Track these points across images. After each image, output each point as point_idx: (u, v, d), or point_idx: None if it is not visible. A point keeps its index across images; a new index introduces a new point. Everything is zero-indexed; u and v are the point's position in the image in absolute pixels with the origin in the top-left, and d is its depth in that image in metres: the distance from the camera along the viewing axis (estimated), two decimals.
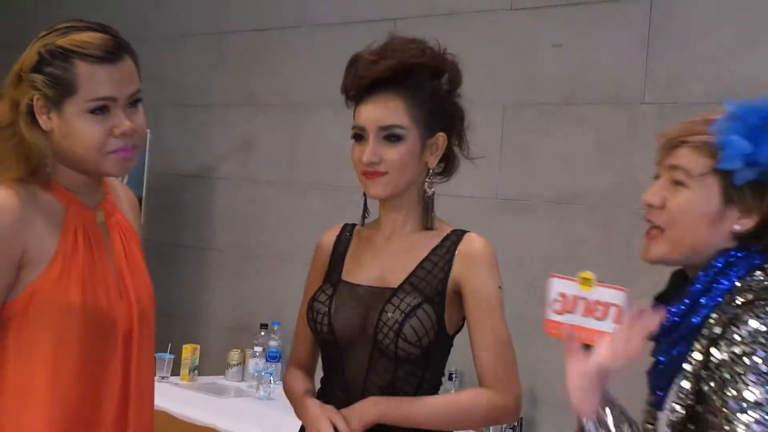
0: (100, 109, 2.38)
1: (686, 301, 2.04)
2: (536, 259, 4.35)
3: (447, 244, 2.70)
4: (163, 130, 6.43)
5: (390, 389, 2.66)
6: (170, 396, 4.96)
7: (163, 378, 5.33)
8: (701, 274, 2.05)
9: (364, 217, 2.82)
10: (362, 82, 2.69)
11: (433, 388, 2.70)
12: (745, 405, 1.87)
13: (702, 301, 2.03)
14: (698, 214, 2.06)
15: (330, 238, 2.86)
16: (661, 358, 2.06)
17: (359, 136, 2.72)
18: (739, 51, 4.00)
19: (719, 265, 2.04)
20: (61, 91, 2.37)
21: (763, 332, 1.90)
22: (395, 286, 2.68)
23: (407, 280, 2.68)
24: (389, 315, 2.63)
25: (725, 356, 1.92)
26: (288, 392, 2.84)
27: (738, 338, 1.91)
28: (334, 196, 5.43)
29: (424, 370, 2.67)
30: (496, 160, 4.63)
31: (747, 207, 2.04)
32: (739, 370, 1.89)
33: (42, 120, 2.40)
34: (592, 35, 4.45)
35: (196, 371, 5.44)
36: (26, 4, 7.73)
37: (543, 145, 4.56)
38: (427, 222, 2.74)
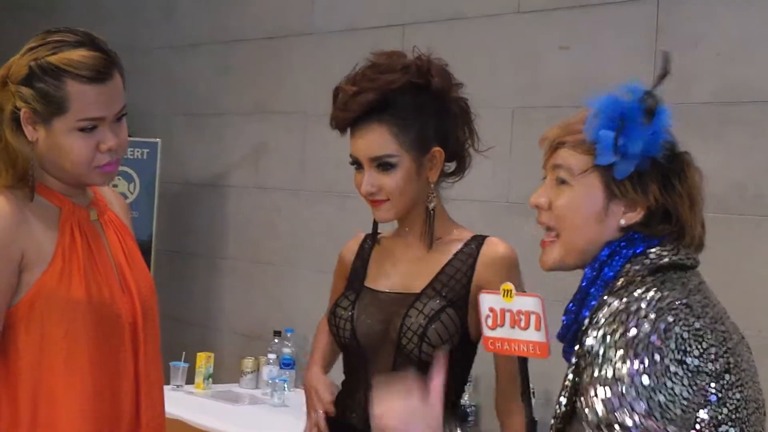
0: (90, 128, 2.40)
1: (577, 296, 2.03)
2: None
3: (469, 249, 2.71)
4: (174, 139, 6.44)
5: None
6: (185, 404, 4.97)
7: (177, 387, 5.34)
8: (588, 268, 2.03)
9: (374, 234, 2.84)
10: (346, 117, 2.69)
11: (456, 394, 2.71)
12: (602, 381, 1.84)
13: (591, 292, 2.01)
14: (584, 212, 2.04)
15: (352, 247, 2.88)
16: (568, 359, 2.03)
17: (357, 164, 2.72)
18: (746, 52, 4.00)
19: (604, 256, 2.02)
20: (52, 108, 2.39)
21: (622, 310, 1.88)
22: (418, 291, 2.68)
23: (430, 284, 2.68)
24: (413, 319, 2.64)
25: (591, 341, 1.89)
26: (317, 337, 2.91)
27: (602, 320, 1.89)
28: (345, 203, 5.43)
29: (447, 375, 2.67)
30: (507, 163, 4.64)
31: (631, 201, 2.02)
32: (601, 351, 1.86)
33: (27, 130, 2.41)
34: (599, 37, 4.45)
35: (210, 379, 5.44)
36: (28, 18, 7.76)
37: None
38: (428, 237, 2.73)
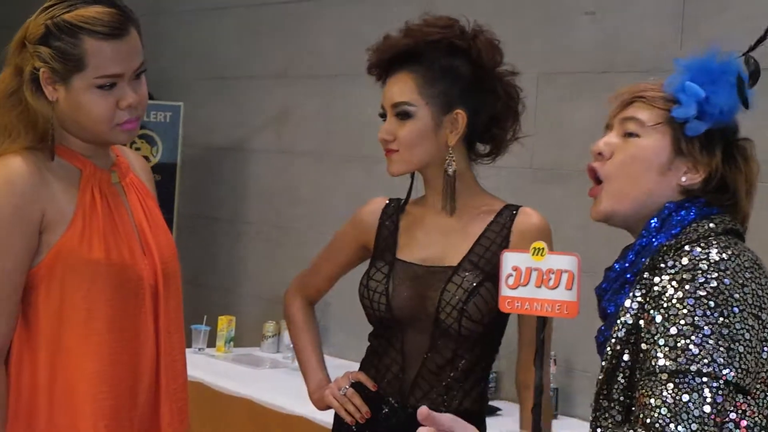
0: (108, 85, 2.40)
1: (629, 255, 2.04)
2: (571, 227, 4.33)
3: (502, 220, 2.69)
4: (198, 103, 6.43)
5: (449, 366, 2.66)
6: (206, 367, 4.99)
7: (199, 350, 5.36)
8: (654, 218, 2.04)
9: (408, 197, 2.82)
10: (380, 59, 2.72)
11: (489, 363, 2.72)
12: (679, 329, 1.85)
13: (653, 243, 2.01)
14: (647, 163, 2.06)
15: (374, 211, 2.84)
16: (610, 309, 2.04)
17: (383, 115, 2.73)
18: None
19: (672, 206, 2.03)
20: (70, 66, 2.39)
21: (703, 259, 1.89)
22: (455, 263, 2.66)
23: (466, 257, 2.66)
24: (452, 294, 2.62)
25: (666, 285, 1.90)
26: (289, 318, 2.95)
27: (679, 266, 1.90)
28: (369, 168, 5.41)
29: (483, 345, 2.68)
30: (531, 130, 4.62)
31: (695, 161, 2.05)
32: (679, 295, 1.87)
33: (48, 91, 2.42)
34: (626, 2, 4.41)
35: (231, 343, 5.46)
36: None
37: (577, 114, 4.53)
38: (446, 203, 2.70)
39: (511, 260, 2.11)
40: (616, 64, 4.41)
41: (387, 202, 2.85)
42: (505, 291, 2.11)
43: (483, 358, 2.69)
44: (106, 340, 2.43)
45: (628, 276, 2.02)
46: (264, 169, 6.18)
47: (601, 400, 2.00)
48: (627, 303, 1.96)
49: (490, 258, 2.64)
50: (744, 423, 1.87)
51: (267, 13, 6.21)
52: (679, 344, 1.84)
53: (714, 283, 1.87)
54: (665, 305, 1.88)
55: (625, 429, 1.86)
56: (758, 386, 1.88)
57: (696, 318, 1.85)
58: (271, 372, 5.15)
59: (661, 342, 1.86)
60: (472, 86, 2.69)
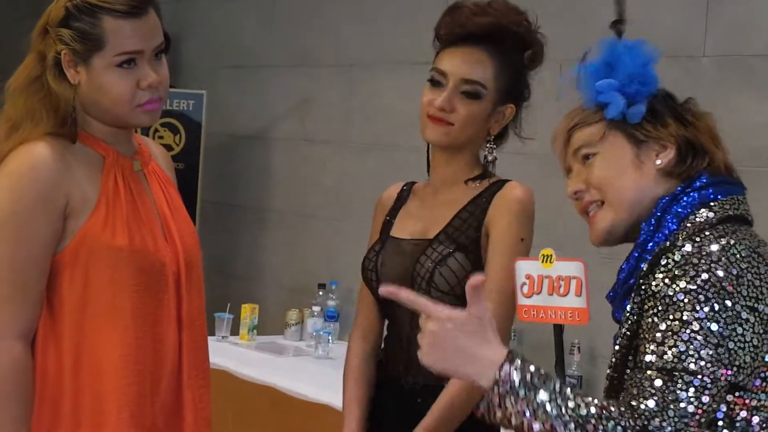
0: (128, 63, 2.42)
1: (634, 254, 2.01)
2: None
3: (486, 194, 2.69)
4: (220, 92, 6.44)
5: None
6: (230, 355, 4.99)
7: (222, 338, 5.36)
8: (644, 224, 2.01)
9: (429, 167, 2.80)
10: (458, 31, 2.68)
11: None
12: (668, 325, 1.82)
13: (648, 248, 1.98)
14: (619, 167, 2.04)
15: (391, 195, 2.86)
16: (618, 315, 2.01)
17: (437, 81, 2.68)
18: None
19: (665, 202, 2.00)
20: (90, 45, 2.41)
21: (695, 253, 1.86)
22: (431, 236, 2.68)
23: (443, 230, 2.68)
24: (422, 265, 2.64)
25: (660, 283, 1.87)
26: (347, 375, 2.80)
27: (672, 263, 1.87)
28: (390, 156, 5.41)
29: None
30: (553, 116, 4.60)
31: (656, 140, 2.03)
32: (669, 292, 1.84)
33: (70, 73, 2.44)
34: None
35: (255, 331, 5.46)
36: None
37: None
38: (482, 177, 2.72)
39: (523, 269, 2.12)
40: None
41: (403, 186, 2.86)
42: (521, 300, 2.12)
43: None
44: (130, 326, 2.44)
45: (632, 282, 1.99)
46: (286, 157, 6.18)
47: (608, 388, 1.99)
48: (628, 308, 1.94)
49: (466, 230, 2.65)
50: (755, 419, 1.85)
51: (288, 1, 6.20)
52: (667, 341, 1.82)
53: (705, 276, 1.83)
54: (658, 302, 1.85)
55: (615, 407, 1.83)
56: (760, 379, 1.85)
57: (685, 314, 1.82)
58: (295, 360, 5.15)
59: (651, 338, 1.84)
60: (523, 83, 2.73)
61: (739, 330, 1.82)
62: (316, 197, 5.96)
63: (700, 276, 1.83)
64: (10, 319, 2.39)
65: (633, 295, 1.94)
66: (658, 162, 2.02)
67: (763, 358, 1.85)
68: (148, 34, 2.44)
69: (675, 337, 1.81)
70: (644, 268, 1.94)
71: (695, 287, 1.83)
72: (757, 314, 1.84)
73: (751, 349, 1.83)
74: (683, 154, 2.02)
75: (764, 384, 1.86)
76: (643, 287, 1.91)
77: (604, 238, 2.08)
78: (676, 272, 1.85)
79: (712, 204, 1.98)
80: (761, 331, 1.84)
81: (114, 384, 2.43)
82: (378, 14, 5.55)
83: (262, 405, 4.64)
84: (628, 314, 1.94)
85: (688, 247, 1.87)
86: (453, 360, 1.88)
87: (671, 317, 1.83)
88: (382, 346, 2.79)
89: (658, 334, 1.83)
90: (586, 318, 2.04)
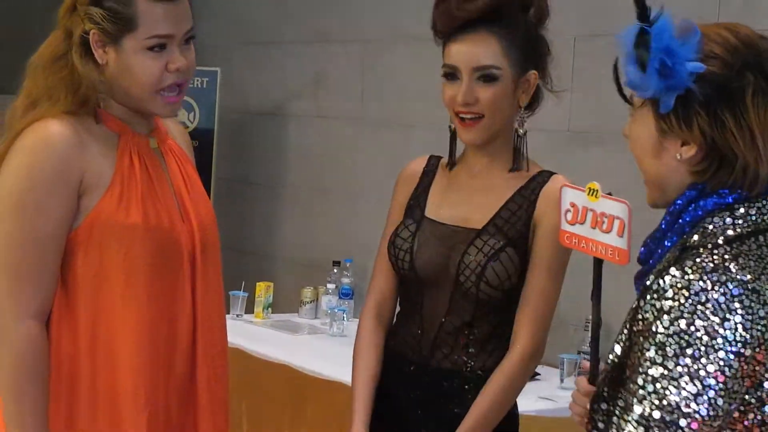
0: (159, 47, 2.40)
1: (656, 234, 1.95)
2: (607, 189, 4.31)
3: (533, 185, 2.65)
4: (234, 68, 6.43)
5: (467, 329, 2.63)
6: (244, 333, 5.00)
7: (237, 316, 5.37)
8: (665, 215, 1.95)
9: (452, 157, 2.75)
10: (454, 22, 2.61)
11: (511, 328, 2.65)
12: (656, 373, 1.78)
13: (665, 243, 1.93)
14: (641, 146, 1.97)
15: (416, 169, 2.79)
16: (638, 286, 1.96)
17: (451, 75, 2.64)
18: None
19: (678, 204, 1.92)
20: (121, 26, 2.38)
21: (686, 287, 1.78)
22: (479, 227, 2.63)
23: (491, 221, 2.63)
24: (472, 257, 2.60)
25: (648, 314, 1.82)
26: (356, 354, 2.76)
27: (663, 292, 1.81)
28: (406, 133, 5.39)
29: (504, 312, 2.64)
30: (567, 92, 4.57)
31: (681, 136, 1.91)
32: (659, 329, 1.79)
33: (98, 54, 2.42)
34: None
35: (269, 309, 5.47)
36: None
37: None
38: (518, 163, 2.67)
39: (568, 196, 2.10)
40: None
41: (428, 161, 2.79)
42: (564, 225, 2.10)
43: (501, 324, 2.65)
44: (145, 304, 2.43)
45: (651, 263, 1.95)
46: (301, 133, 6.17)
47: (600, 403, 1.95)
48: (633, 304, 1.90)
49: (515, 223, 2.61)
50: None
51: None
52: (647, 387, 1.78)
53: (689, 318, 1.77)
54: (646, 338, 1.80)
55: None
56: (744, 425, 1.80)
57: (667, 360, 1.77)
58: (309, 338, 5.16)
59: (635, 378, 1.80)
60: (537, 43, 2.66)
61: (721, 377, 1.76)
62: (331, 174, 5.96)
63: (684, 318, 1.77)
64: (27, 298, 2.38)
65: (642, 298, 1.88)
66: (678, 156, 1.92)
67: (749, 402, 1.80)
68: (179, 18, 2.42)
69: (656, 384, 1.77)
70: (655, 270, 1.89)
71: (680, 330, 1.77)
72: (743, 359, 1.77)
73: (732, 394, 1.77)
74: (710, 159, 1.90)
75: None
76: (646, 297, 1.85)
77: (653, 205, 2.02)
78: (664, 304, 1.80)
79: (735, 208, 1.89)
80: (748, 374, 1.78)
81: (128, 363, 2.42)
82: None
83: (277, 383, 4.65)
84: (624, 323, 1.90)
85: (677, 277, 1.80)
86: None
87: (654, 357, 1.78)
88: (403, 329, 2.73)
89: (640, 376, 1.79)
90: (626, 259, 2.00)
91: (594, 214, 2.05)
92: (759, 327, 1.78)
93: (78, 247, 2.42)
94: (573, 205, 2.09)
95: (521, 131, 2.67)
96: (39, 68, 2.45)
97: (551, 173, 2.67)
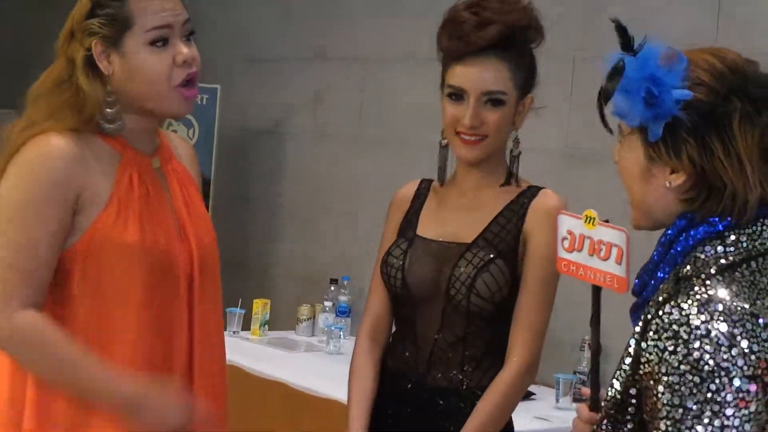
0: (160, 41, 2.42)
1: (649, 266, 1.94)
2: (605, 209, 4.31)
3: (522, 200, 2.68)
4: (234, 86, 6.44)
5: (461, 345, 2.64)
6: (241, 351, 4.99)
7: (234, 333, 5.37)
8: (657, 246, 1.93)
9: (443, 175, 2.78)
10: (468, 48, 2.63)
11: (505, 344, 2.67)
12: (668, 410, 1.76)
13: (658, 275, 1.92)
14: (629, 173, 1.95)
15: (408, 193, 2.83)
16: (635, 319, 1.94)
17: (457, 96, 2.66)
18: None
19: (670, 234, 1.91)
20: (119, 27, 2.41)
21: (684, 323, 1.77)
22: (469, 241, 2.66)
23: (481, 235, 2.66)
24: (462, 270, 2.62)
25: (650, 354, 1.80)
26: (352, 373, 2.78)
27: (659, 331, 1.79)
28: (403, 151, 5.40)
29: (497, 326, 2.65)
30: (566, 112, 4.59)
31: (670, 164, 1.88)
32: (663, 370, 1.77)
33: (103, 66, 2.43)
34: None
35: (266, 326, 5.47)
36: None
37: None
38: (509, 180, 2.71)
39: (565, 223, 2.10)
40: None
41: (419, 184, 2.84)
42: (561, 253, 2.09)
43: (496, 341, 2.66)
44: (140, 323, 2.42)
45: (645, 295, 1.93)
46: (299, 151, 6.18)
47: (606, 425, 1.92)
48: (631, 342, 1.88)
49: (505, 236, 2.64)
50: None
51: None
52: (669, 428, 1.76)
53: (696, 354, 1.75)
54: (657, 382, 1.78)
55: None
56: None
57: (685, 400, 1.75)
58: (306, 355, 5.16)
59: (658, 424, 1.78)
60: (535, 70, 2.72)
61: (740, 404, 1.74)
62: (329, 192, 5.96)
63: (691, 354, 1.76)
64: (21, 296, 2.36)
65: (636, 324, 1.87)
66: (667, 184, 1.90)
67: None
68: (174, 9, 2.44)
69: (679, 425, 1.75)
70: (651, 303, 1.87)
71: (688, 368, 1.75)
72: (757, 380, 1.76)
73: (756, 418, 1.76)
74: (700, 187, 1.88)
75: None
76: (645, 335, 1.84)
77: (638, 228, 2.00)
78: (668, 344, 1.78)
79: (725, 236, 1.87)
80: (760, 398, 1.77)
81: None
82: (393, 9, 5.54)
83: (274, 401, 4.64)
84: (627, 348, 1.88)
85: (675, 314, 1.79)
86: None
87: (671, 398, 1.76)
88: (399, 347, 2.74)
89: (660, 420, 1.78)
90: (625, 287, 1.99)
91: (591, 242, 2.04)
92: (766, 349, 1.77)
93: (75, 266, 2.41)
94: (570, 232, 2.09)
95: (516, 151, 2.71)
96: (41, 96, 2.46)
97: (540, 188, 2.71)
